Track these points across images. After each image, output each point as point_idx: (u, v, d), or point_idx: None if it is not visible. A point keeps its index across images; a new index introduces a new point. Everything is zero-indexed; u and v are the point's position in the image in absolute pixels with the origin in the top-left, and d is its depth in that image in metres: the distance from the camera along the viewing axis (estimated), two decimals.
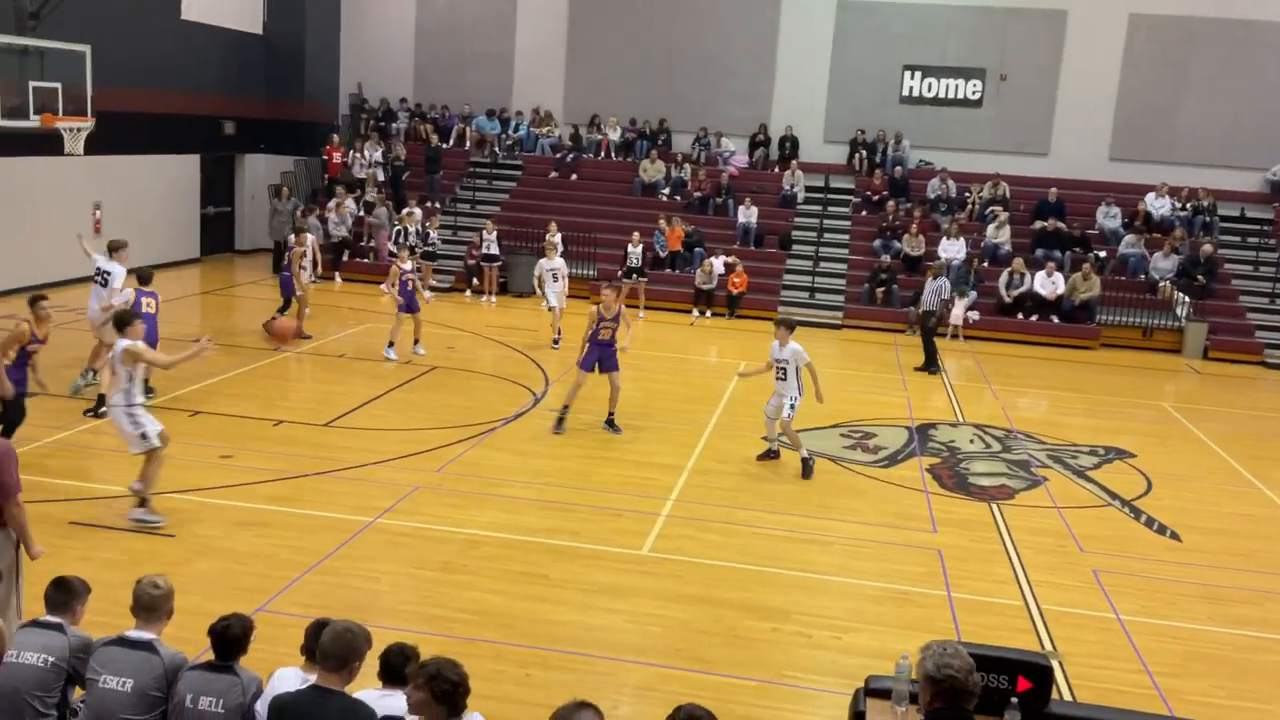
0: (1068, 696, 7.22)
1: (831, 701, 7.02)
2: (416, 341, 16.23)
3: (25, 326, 10.41)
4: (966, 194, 24.28)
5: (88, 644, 5.08)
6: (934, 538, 10.18)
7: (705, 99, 26.02)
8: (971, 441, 13.60)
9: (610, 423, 12.85)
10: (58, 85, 15.68)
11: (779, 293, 22.34)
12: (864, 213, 24.36)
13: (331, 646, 4.43)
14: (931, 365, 17.58)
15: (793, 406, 11.67)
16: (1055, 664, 7.11)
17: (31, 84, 15.32)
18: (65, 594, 5.27)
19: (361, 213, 23.65)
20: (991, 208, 23.56)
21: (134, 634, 4.97)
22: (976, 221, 23.57)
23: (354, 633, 4.48)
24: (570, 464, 11.66)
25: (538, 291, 18.08)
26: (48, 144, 16.75)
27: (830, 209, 24.53)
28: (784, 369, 11.70)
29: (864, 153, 25.34)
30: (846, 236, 24.00)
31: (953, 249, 22.24)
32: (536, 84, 26.89)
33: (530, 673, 7.13)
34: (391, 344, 15.93)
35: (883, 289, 21.74)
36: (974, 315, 21.00)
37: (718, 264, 21.80)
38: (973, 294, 21.28)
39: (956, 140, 25.30)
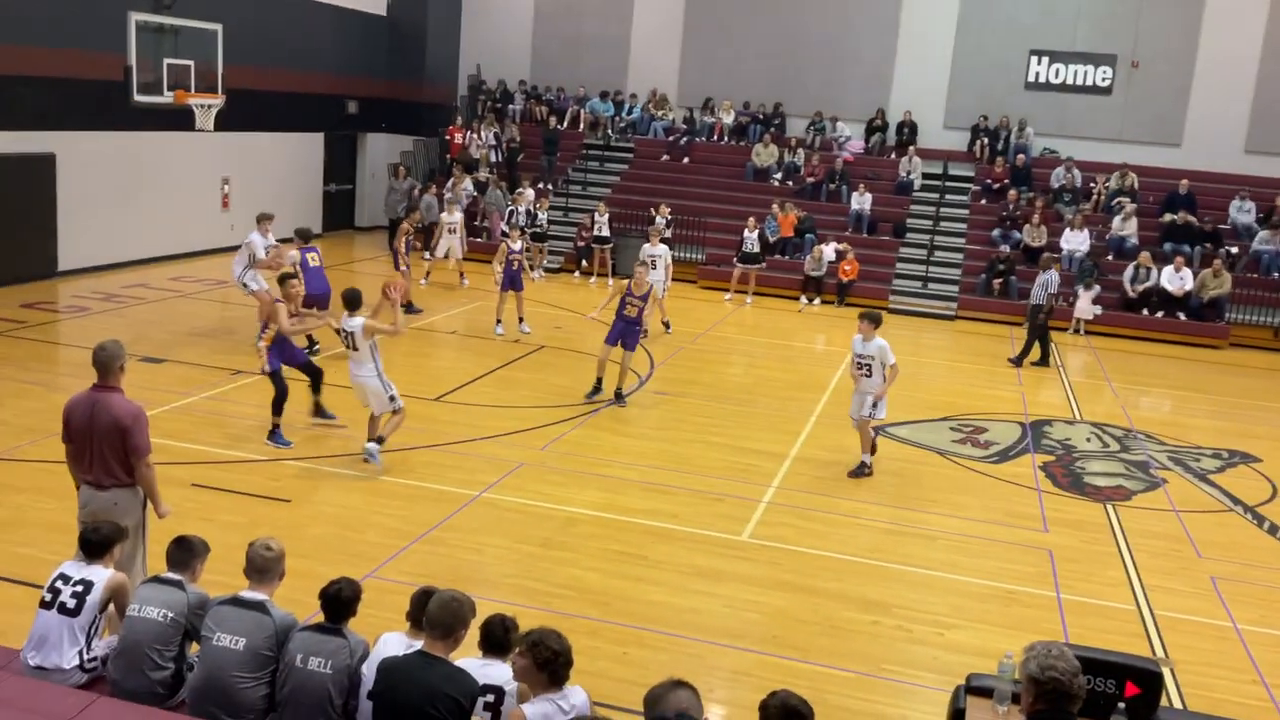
0: (1178, 705, 6.97)
1: (930, 697, 6.91)
2: (521, 320, 16.42)
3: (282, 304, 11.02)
4: (1092, 184, 23.47)
5: (205, 601, 5.29)
6: (1044, 537, 9.92)
7: (822, 83, 25.67)
8: (1088, 440, 13.19)
9: (618, 395, 12.99)
10: (190, 63, 16.28)
11: (891, 281, 21.97)
12: (983, 201, 23.76)
13: (438, 615, 4.53)
14: (1043, 359, 17.07)
15: (875, 405, 10.99)
16: (1166, 671, 6.88)
17: (166, 61, 15.94)
18: (186, 552, 5.51)
19: (476, 193, 24.00)
20: (1118, 199, 22.75)
21: (247, 594, 5.16)
22: (1102, 213, 22.79)
23: (460, 602, 4.58)
24: (673, 447, 11.69)
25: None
26: (180, 120, 17.41)
27: (948, 197, 23.99)
28: (868, 366, 11.01)
29: (985, 139, 24.70)
30: (964, 225, 23.45)
31: (1076, 241, 21.55)
32: (651, 66, 26.89)
33: (627, 651, 7.19)
34: (499, 321, 16.17)
35: (1000, 280, 21.19)
36: (1096, 310, 20.33)
37: (828, 251, 21.54)
38: (1096, 288, 20.60)
39: (1083, 128, 24.46)
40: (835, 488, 10.74)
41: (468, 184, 23.93)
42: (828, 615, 7.98)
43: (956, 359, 17.50)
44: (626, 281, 13.33)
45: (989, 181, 23.92)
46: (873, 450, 11.35)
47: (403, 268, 17.48)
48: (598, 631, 7.36)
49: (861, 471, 11.08)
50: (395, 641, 4.95)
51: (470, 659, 4.73)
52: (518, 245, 16.47)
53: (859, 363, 11.07)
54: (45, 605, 5.38)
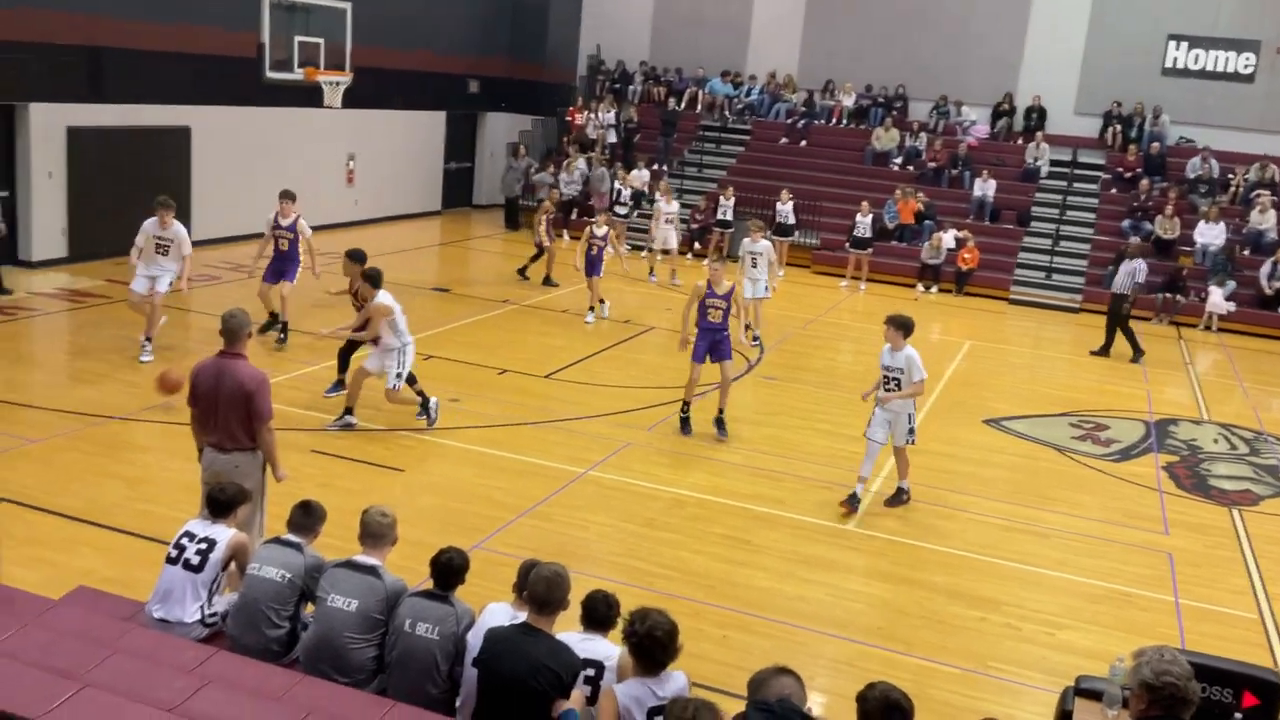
0: None
1: (1037, 698, 6.74)
2: (591, 308, 16.09)
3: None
4: (1230, 175, 22.44)
5: (321, 564, 5.47)
6: (1165, 540, 9.56)
7: (948, 65, 25.05)
8: (1215, 441, 12.66)
9: (719, 423, 11.09)
10: (320, 41, 16.71)
11: (1012, 271, 21.38)
12: (1113, 191, 22.93)
13: (542, 589, 4.59)
14: (1136, 353, 16.38)
15: (910, 429, 9.49)
16: None
17: (297, 39, 16.40)
18: (308, 516, 5.69)
19: (588, 173, 24.09)
20: (1257, 191, 21.69)
21: (361, 559, 5.31)
22: (1239, 205, 21.77)
23: (561, 576, 4.63)
24: (781, 433, 11.61)
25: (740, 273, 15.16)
26: (309, 96, 17.92)
27: (1076, 185, 23.21)
28: (896, 380, 9.41)
29: (1118, 126, 23.81)
30: (1092, 215, 22.67)
31: (1210, 234, 20.64)
32: (772, 48, 26.62)
33: (728, 634, 7.19)
34: (592, 309, 16.07)
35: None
36: (1230, 306, 19.47)
37: (947, 238, 21.07)
38: (1231, 283, 19.72)
39: (1222, 117, 23.35)
40: (945, 480, 10.53)
41: (581, 164, 24.08)
42: (934, 609, 7.85)
43: (1079, 353, 16.94)
44: (703, 284, 11.04)
45: (1120, 170, 23.06)
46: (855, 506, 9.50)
47: (547, 243, 17.87)
48: (699, 613, 7.37)
49: (899, 500, 9.63)
50: (500, 611, 5.04)
51: (571, 633, 4.78)
52: (601, 231, 16.15)
53: (887, 377, 9.47)
54: (171, 561, 5.62)
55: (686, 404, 11.20)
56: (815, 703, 6.50)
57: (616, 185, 22.34)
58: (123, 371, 11.59)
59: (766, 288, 15.13)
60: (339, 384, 11.20)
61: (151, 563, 6.30)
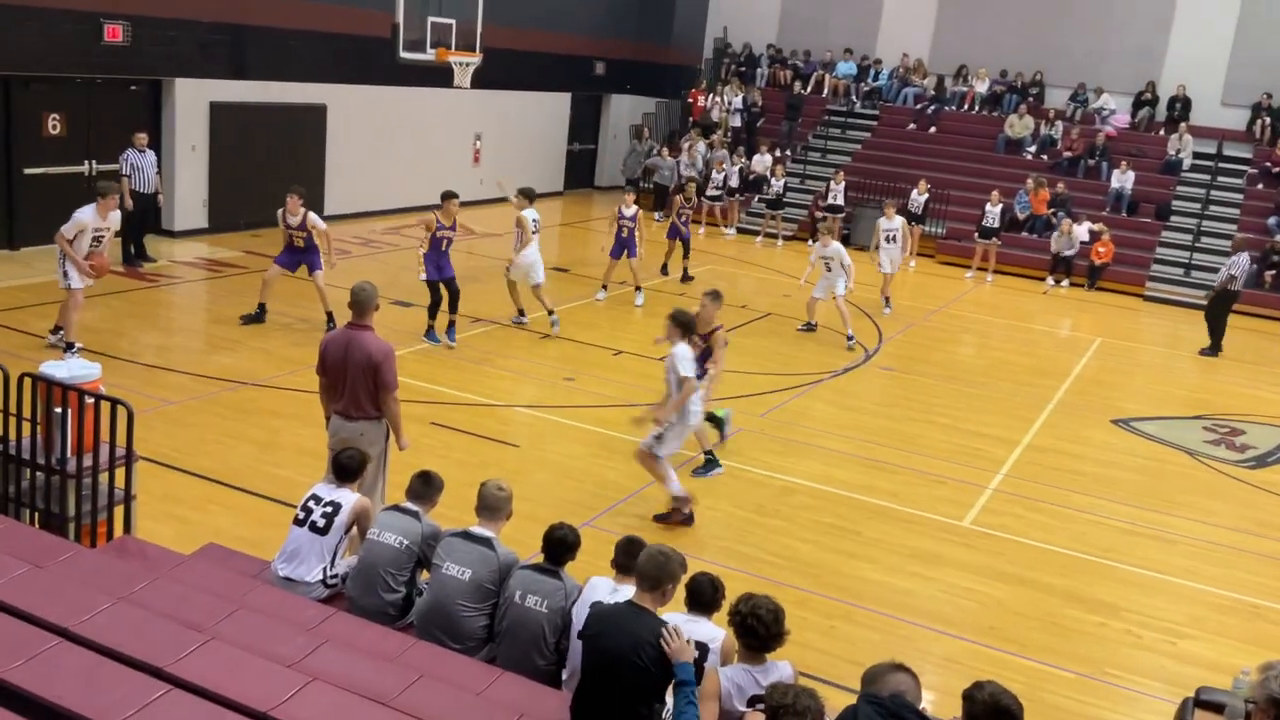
0: None
1: (1154, 708, 6.52)
2: (637, 289, 15.62)
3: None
4: None
5: (437, 533, 5.62)
6: None
7: (1087, 52, 24.15)
8: None
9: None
10: (452, 22, 16.96)
11: (1149, 267, 20.55)
12: (1260, 186, 21.83)
13: (648, 568, 4.63)
14: (1215, 348, 15.84)
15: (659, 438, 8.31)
16: None
17: (430, 19, 16.69)
18: (427, 486, 5.85)
19: (709, 155, 23.96)
20: None
21: (476, 530, 5.43)
22: None
23: (668, 556, 4.66)
24: (897, 425, 11.43)
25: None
26: (439, 76, 18.25)
27: (1220, 179, 22.16)
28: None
29: (1267, 119, 22.63)
30: (1236, 211, 21.61)
31: None
32: (904, 31, 26.07)
33: (834, 625, 7.13)
34: (604, 286, 15.66)
35: (1274, 272, 19.44)
36: None
37: (1081, 230, 20.33)
38: None
39: None
40: (1069, 480, 10.22)
41: (701, 147, 24.01)
42: (1050, 611, 7.64)
43: (1216, 355, 16.21)
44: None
45: (1268, 165, 21.92)
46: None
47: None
48: (806, 602, 7.32)
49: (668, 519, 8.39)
50: (603, 585, 5.10)
51: (677, 614, 4.81)
52: (630, 211, 15.37)
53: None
54: (298, 522, 5.84)
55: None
56: (925, 701, 6.40)
57: (726, 168, 22.44)
58: (256, 339, 12.05)
59: (846, 286, 14.32)
60: (451, 327, 11.99)
61: (278, 523, 6.57)
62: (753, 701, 4.39)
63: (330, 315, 12.31)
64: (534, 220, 13.43)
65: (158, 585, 4.95)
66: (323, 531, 5.78)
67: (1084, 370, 14.44)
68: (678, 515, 8.42)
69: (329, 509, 5.82)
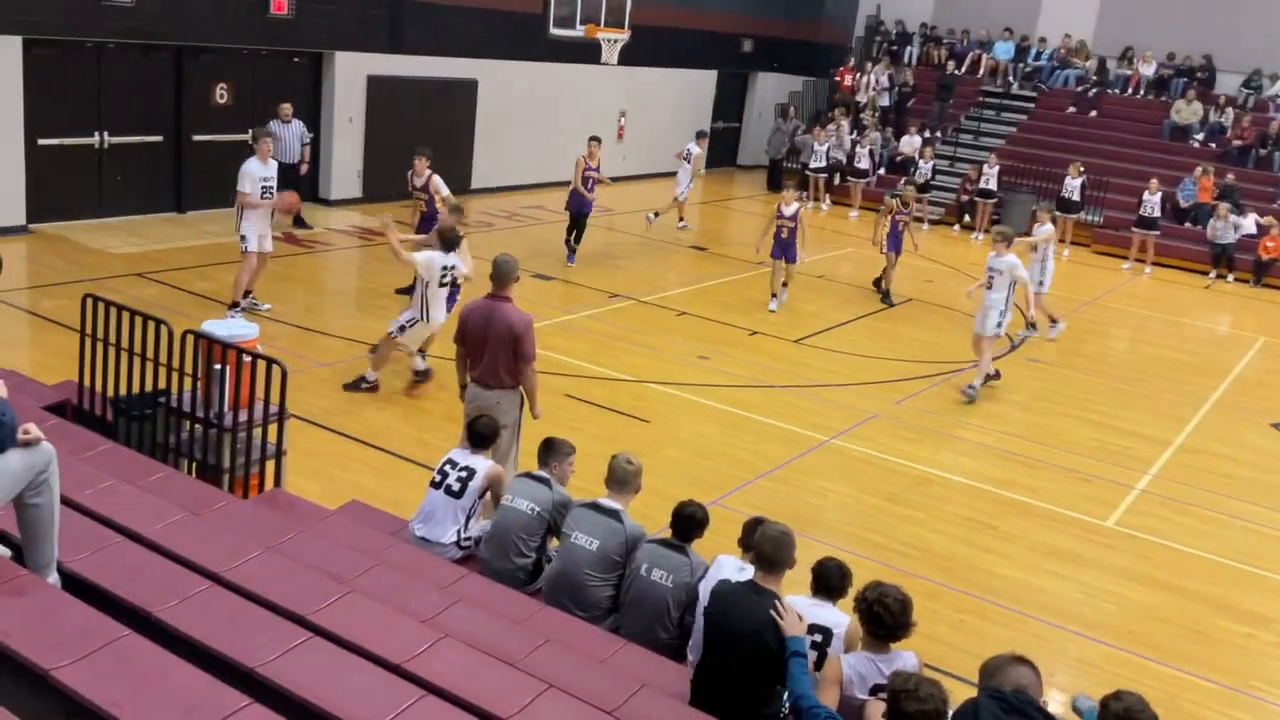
0: None
1: None
2: (774, 295, 14.05)
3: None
4: None
5: (568, 502, 5.71)
6: None
7: (1262, 34, 22.74)
8: None
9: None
10: None
11: None
12: None
13: (770, 549, 4.61)
14: None
15: (1000, 325, 11.08)
16: None
17: None
18: (547, 451, 5.96)
19: (854, 135, 23.51)
20: None
21: (605, 502, 5.50)
22: None
23: (789, 535, 4.64)
24: (1041, 419, 11.07)
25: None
26: (587, 53, 18.39)
27: None
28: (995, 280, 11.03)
29: None
30: None
31: None
32: (1067, 10, 25.03)
33: (965, 619, 6.98)
34: (775, 295, 14.08)
35: None
36: None
37: (1247, 221, 19.21)
38: None
39: None
40: (1223, 485, 9.74)
41: (845, 126, 23.58)
42: (1195, 619, 7.32)
43: None
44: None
45: None
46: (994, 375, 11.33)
47: (884, 250, 14.98)
48: (937, 595, 7.18)
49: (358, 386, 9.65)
50: (730, 564, 5.11)
51: (801, 597, 4.78)
52: (790, 209, 13.64)
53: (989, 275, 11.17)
54: (435, 485, 6.03)
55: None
56: (1054, 700, 6.22)
57: (815, 146, 22.37)
58: (404, 306, 12.41)
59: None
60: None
61: (417, 484, 6.77)
62: (875, 690, 4.34)
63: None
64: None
65: (303, 537, 5.17)
66: (457, 495, 5.94)
67: (1245, 370, 13.70)
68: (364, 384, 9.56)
69: (464, 474, 5.98)
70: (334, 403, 9.35)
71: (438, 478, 6.05)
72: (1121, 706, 3.72)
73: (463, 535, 5.95)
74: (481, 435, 6.16)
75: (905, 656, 4.49)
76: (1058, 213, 20.22)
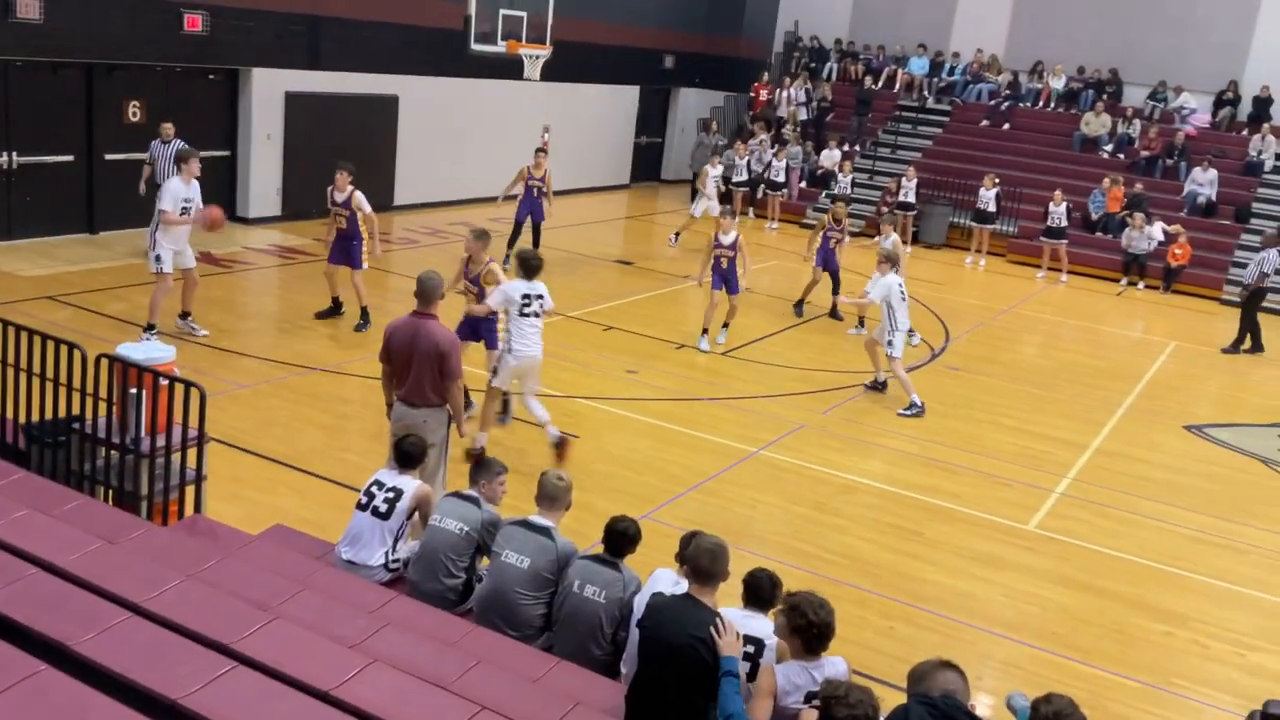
0: None
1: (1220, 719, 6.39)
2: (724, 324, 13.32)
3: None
4: None
5: (497, 520, 5.67)
6: None
7: (1167, 49, 23.54)
8: None
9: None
10: (523, 15, 17.04)
11: (1227, 270, 20.02)
12: None
13: (705, 561, 4.63)
14: (1256, 347, 15.54)
15: (891, 344, 11.11)
16: None
17: (502, 12, 16.78)
18: (483, 472, 5.92)
19: (772, 150, 23.72)
20: None
21: (536, 519, 5.47)
22: None
23: (723, 548, 4.66)
24: (961, 425, 11.28)
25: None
26: (509, 69, 18.38)
27: None
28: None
29: None
30: None
31: None
32: (978, 25, 25.63)
33: (893, 626, 7.07)
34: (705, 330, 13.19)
35: None
36: None
37: (1155, 230, 19.83)
38: None
39: None
40: (1138, 487, 10.01)
41: (765, 140, 23.85)
42: (1115, 619, 7.50)
43: None
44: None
45: None
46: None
47: (835, 264, 14.86)
48: (865, 602, 7.27)
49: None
50: (666, 577, 5.11)
51: (734, 609, 4.80)
52: (729, 238, 12.91)
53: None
54: (361, 507, 5.94)
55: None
56: (981, 704, 6.33)
57: (736, 160, 22.59)
58: (326, 325, 12.24)
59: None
60: None
61: (343, 506, 6.67)
62: (809, 698, 4.38)
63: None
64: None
65: (225, 564, 5.05)
66: (385, 516, 5.86)
67: (1157, 374, 14.12)
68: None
69: (391, 494, 5.91)
70: (255, 424, 9.17)
71: (364, 499, 5.96)
72: (1051, 710, 3.78)
73: (391, 557, 5.87)
74: (409, 455, 6.09)
75: (835, 662, 4.54)
76: (974, 224, 20.78)
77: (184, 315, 11.27)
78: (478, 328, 9.56)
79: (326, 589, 5.15)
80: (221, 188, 16.93)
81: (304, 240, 16.47)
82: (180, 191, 10.77)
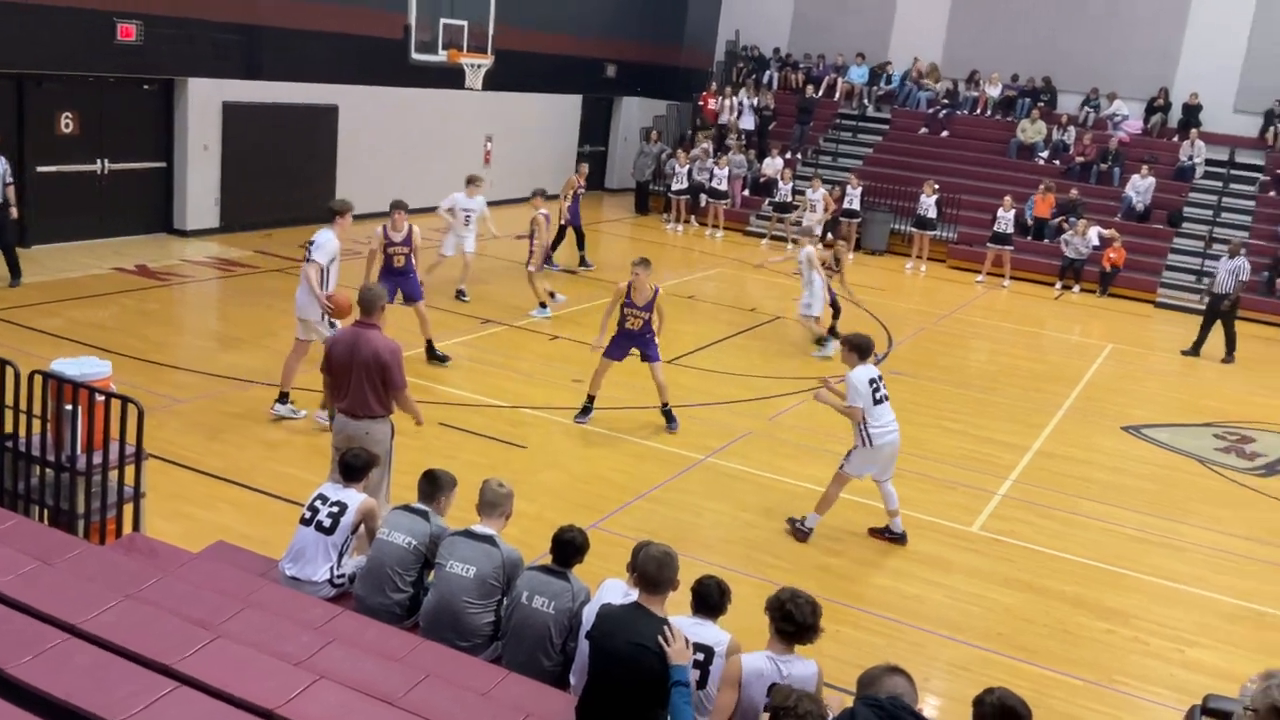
0: None
1: (1162, 715, 6.51)
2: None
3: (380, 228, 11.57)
4: None
5: (444, 533, 5.62)
6: None
7: (1099, 57, 24.08)
8: None
9: (668, 414, 10.54)
10: (464, 24, 16.97)
11: (1160, 273, 20.49)
12: (1273, 193, 21.74)
13: (653, 569, 4.63)
14: (1228, 354, 15.94)
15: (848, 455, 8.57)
16: None
17: (442, 21, 16.71)
18: (432, 486, 5.85)
19: (714, 158, 23.85)
20: None
21: (479, 528, 5.44)
22: None
23: (672, 557, 4.66)
24: (905, 429, 11.22)
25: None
26: (451, 78, 18.30)
27: (1232, 186, 22.10)
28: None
29: None
30: (1248, 218, 21.52)
31: None
32: (916, 34, 26.02)
33: (840, 629, 7.10)
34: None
35: None
36: None
37: (1091, 234, 20.22)
38: None
39: None
40: (1079, 487, 10.19)
41: (708, 148, 23.98)
42: (1059, 618, 7.61)
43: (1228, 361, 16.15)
44: (625, 285, 10.23)
45: None
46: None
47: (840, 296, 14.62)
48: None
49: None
50: (616, 587, 5.10)
51: (683, 617, 4.80)
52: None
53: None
54: (304, 522, 5.85)
55: (592, 398, 10.51)
56: (929, 705, 6.39)
57: (676, 168, 22.83)
58: (266, 338, 12.07)
59: (808, 304, 13.51)
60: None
61: (286, 522, 6.57)
62: (771, 690, 4.44)
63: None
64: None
65: (165, 583, 4.95)
66: (329, 531, 5.78)
67: (1095, 376, 14.39)
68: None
69: (335, 509, 5.83)
70: (195, 440, 9.02)
71: (308, 514, 5.87)
72: (994, 698, 3.91)
73: (336, 572, 5.79)
74: (353, 468, 6.01)
75: (806, 663, 4.60)
76: (915, 230, 21.04)
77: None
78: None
79: (270, 606, 5.07)
80: (157, 200, 16.72)
81: (243, 252, 16.23)
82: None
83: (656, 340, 10.44)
